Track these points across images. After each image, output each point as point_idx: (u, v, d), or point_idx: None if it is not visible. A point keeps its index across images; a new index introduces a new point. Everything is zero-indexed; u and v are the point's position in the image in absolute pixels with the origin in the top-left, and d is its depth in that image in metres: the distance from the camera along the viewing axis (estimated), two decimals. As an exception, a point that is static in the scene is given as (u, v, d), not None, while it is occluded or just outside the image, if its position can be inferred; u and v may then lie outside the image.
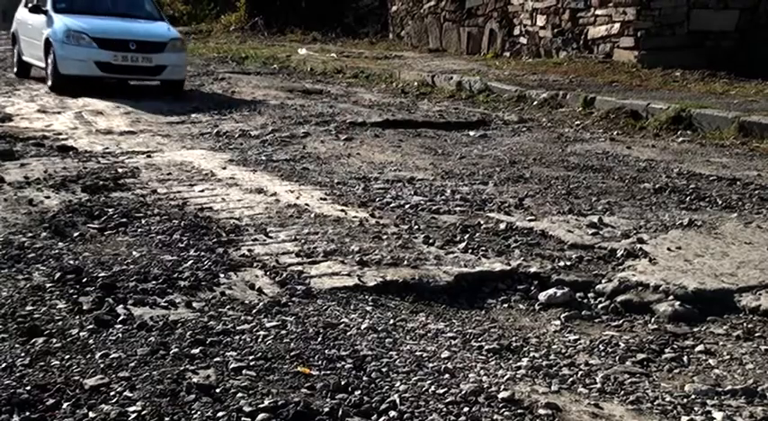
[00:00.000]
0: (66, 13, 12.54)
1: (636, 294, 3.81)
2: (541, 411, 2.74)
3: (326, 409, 2.66)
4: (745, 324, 3.55)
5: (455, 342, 3.31)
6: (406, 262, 4.18)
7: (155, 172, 6.31)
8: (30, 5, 13.58)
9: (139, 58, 12.01)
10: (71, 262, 4.07)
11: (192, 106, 10.47)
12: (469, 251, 4.37)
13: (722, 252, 4.34)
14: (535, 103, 10.19)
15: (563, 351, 3.27)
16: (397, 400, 2.75)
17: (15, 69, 14.56)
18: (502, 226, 4.84)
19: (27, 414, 2.61)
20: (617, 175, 6.28)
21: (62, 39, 11.99)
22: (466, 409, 2.73)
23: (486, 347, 3.25)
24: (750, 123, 7.78)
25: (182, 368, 2.93)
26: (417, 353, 3.16)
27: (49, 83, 12.30)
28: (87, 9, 12.97)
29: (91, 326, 3.30)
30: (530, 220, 5.00)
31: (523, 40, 14.75)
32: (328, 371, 2.96)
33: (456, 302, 3.79)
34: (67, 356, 3.02)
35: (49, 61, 12.26)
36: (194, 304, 3.59)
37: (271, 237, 4.58)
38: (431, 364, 3.07)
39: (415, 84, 12.57)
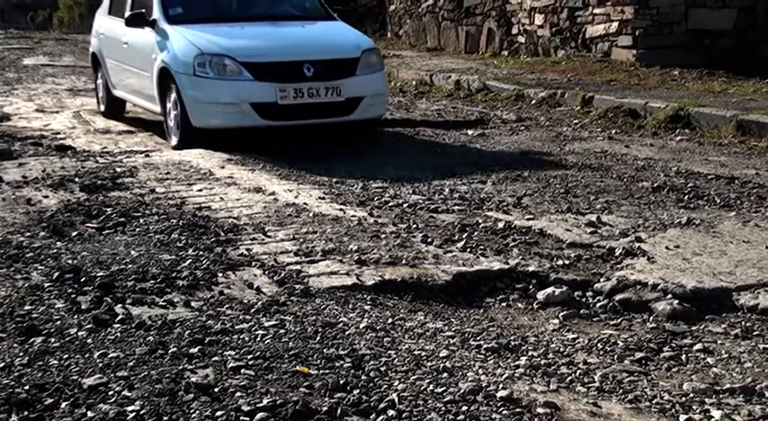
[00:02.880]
0: (185, 24, 7.85)
1: (634, 293, 3.81)
2: (540, 410, 2.74)
3: (325, 408, 2.66)
4: (743, 322, 3.55)
5: (453, 341, 3.31)
6: (404, 261, 4.18)
7: (153, 171, 6.31)
8: (123, 15, 8.67)
9: (322, 91, 7.38)
10: (69, 261, 4.07)
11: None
12: (468, 250, 4.37)
13: (720, 251, 4.34)
14: (533, 101, 10.19)
15: (561, 350, 3.27)
16: (396, 399, 2.75)
17: (102, 107, 9.88)
18: (500, 225, 4.84)
19: (26, 413, 2.61)
20: (615, 174, 6.28)
21: (190, 68, 7.36)
22: (464, 408, 2.72)
23: (485, 346, 3.25)
24: (748, 122, 7.78)
25: (180, 367, 2.93)
26: (416, 353, 3.16)
27: (174, 140, 7.69)
28: (215, 15, 8.37)
29: (89, 326, 3.30)
30: (528, 219, 5.00)
31: (521, 39, 14.75)
32: (327, 371, 2.96)
33: (454, 301, 3.79)
34: (66, 356, 3.02)
35: (171, 106, 7.65)
36: (193, 303, 3.59)
37: (269, 237, 4.58)
38: (429, 363, 3.06)
39: (414, 83, 12.57)
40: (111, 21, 9.57)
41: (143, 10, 8.29)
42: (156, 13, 8.11)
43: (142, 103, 8.67)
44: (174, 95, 7.59)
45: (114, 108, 9.73)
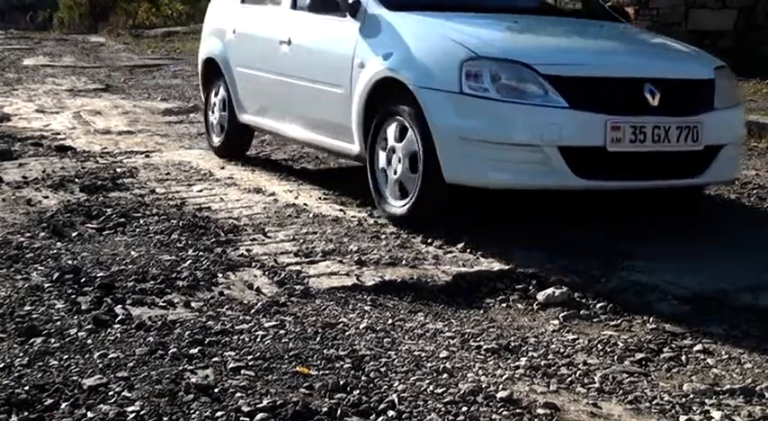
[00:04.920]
0: (412, 11, 5.11)
1: (634, 293, 3.82)
2: (540, 411, 2.74)
3: (325, 409, 2.66)
4: (743, 323, 3.54)
5: (453, 341, 3.31)
6: (404, 261, 4.18)
7: (153, 172, 6.31)
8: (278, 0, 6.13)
9: (673, 131, 4.46)
10: (69, 262, 4.07)
11: (192, 106, 10.45)
12: (468, 250, 4.36)
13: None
14: None
15: (561, 350, 3.27)
16: (396, 400, 2.75)
17: (216, 139, 6.86)
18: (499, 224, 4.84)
19: (25, 414, 2.61)
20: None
21: (452, 81, 4.46)
22: (464, 409, 2.72)
23: (485, 347, 3.25)
24: (748, 122, 7.75)
25: (180, 368, 2.93)
26: (416, 353, 3.16)
27: (395, 207, 4.80)
28: (451, 0, 5.60)
29: (89, 326, 3.30)
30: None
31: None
32: (327, 371, 2.96)
33: (454, 302, 3.79)
34: (66, 356, 3.02)
35: (392, 143, 4.78)
36: (193, 304, 3.59)
37: (269, 237, 4.58)
38: (429, 364, 3.07)
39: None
40: (252, 10, 6.52)
41: None
42: None
43: (313, 137, 5.66)
44: (394, 127, 4.75)
45: (237, 141, 6.70)
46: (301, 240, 4.50)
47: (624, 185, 4.61)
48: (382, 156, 4.86)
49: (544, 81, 4.32)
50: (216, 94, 6.84)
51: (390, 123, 4.79)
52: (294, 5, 5.91)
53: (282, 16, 5.98)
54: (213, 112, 6.92)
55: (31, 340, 3.16)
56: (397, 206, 4.76)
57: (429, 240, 4.52)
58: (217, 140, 6.87)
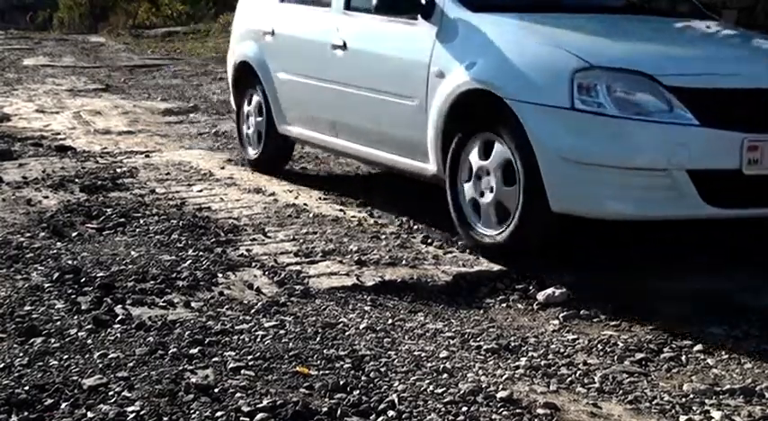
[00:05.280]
0: (496, 13, 4.50)
1: (635, 293, 3.82)
2: (540, 411, 2.74)
3: (325, 409, 2.66)
4: (743, 323, 3.54)
5: (453, 341, 3.31)
6: (404, 261, 4.18)
7: (153, 172, 6.31)
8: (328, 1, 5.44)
9: None
10: (69, 262, 4.07)
11: (192, 106, 10.45)
12: (468, 251, 4.36)
13: (721, 251, 4.33)
14: None
15: (561, 350, 3.27)
16: (396, 400, 2.75)
17: (252, 151, 6.25)
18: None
19: (25, 414, 2.61)
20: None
21: (560, 94, 3.82)
22: (464, 409, 2.73)
23: (485, 347, 3.25)
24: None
25: (180, 368, 2.93)
26: (416, 353, 3.16)
27: (498, 235, 4.12)
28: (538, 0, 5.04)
29: (89, 326, 3.30)
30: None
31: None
32: (327, 371, 2.96)
33: (454, 302, 3.79)
34: (66, 356, 3.02)
35: (477, 162, 4.19)
36: (193, 304, 3.59)
37: (269, 237, 4.58)
38: (429, 364, 3.07)
39: None
40: (295, 10, 5.87)
41: None
42: None
43: (375, 153, 4.99)
44: (480, 145, 4.18)
45: (276, 154, 6.10)
46: (301, 240, 4.50)
47: (762, 213, 3.97)
48: (467, 184, 4.24)
49: (669, 94, 3.73)
50: (250, 102, 6.23)
51: (476, 141, 4.19)
52: (348, 6, 5.24)
53: (333, 18, 5.30)
54: (248, 122, 6.27)
55: (31, 340, 3.16)
56: (492, 234, 4.15)
57: (429, 240, 4.52)
58: (253, 153, 6.21)
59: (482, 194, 4.18)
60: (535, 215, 3.94)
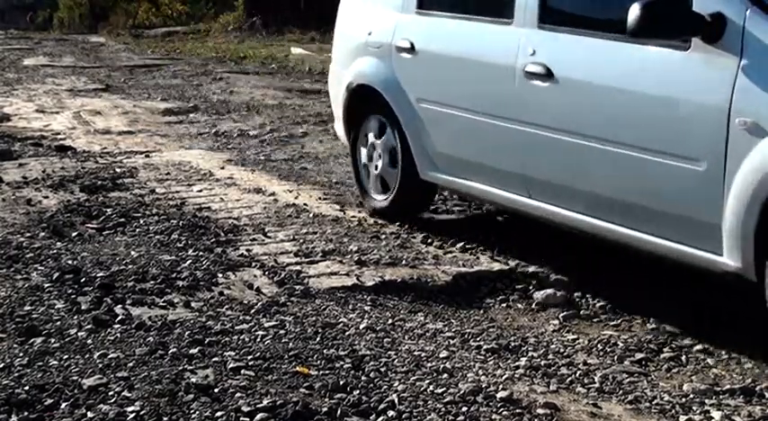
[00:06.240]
0: None
1: (635, 293, 3.82)
2: (540, 411, 2.74)
3: (325, 409, 2.66)
4: (743, 323, 3.54)
5: (453, 341, 3.31)
6: (404, 261, 4.18)
7: (153, 172, 6.30)
8: (502, 13, 4.02)
9: None
10: (69, 262, 4.07)
11: (192, 106, 10.45)
12: (468, 251, 4.36)
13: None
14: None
15: (561, 350, 3.27)
16: (396, 400, 2.75)
17: (382, 197, 4.87)
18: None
19: (25, 414, 2.62)
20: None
21: None
22: (464, 409, 2.73)
23: (485, 347, 3.26)
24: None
25: (180, 368, 2.93)
26: (416, 353, 3.16)
27: None
28: None
29: (89, 326, 3.30)
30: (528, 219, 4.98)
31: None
32: (327, 371, 2.96)
33: (454, 302, 3.79)
34: (66, 356, 3.02)
35: None
36: (193, 304, 3.59)
37: (269, 237, 4.58)
38: (429, 364, 3.07)
39: None
40: (445, 22, 4.50)
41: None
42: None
43: (618, 231, 3.55)
44: None
45: (413, 201, 4.80)
46: (301, 240, 4.50)
47: None
48: None
49: None
50: (376, 136, 4.87)
51: None
52: (545, 20, 3.83)
53: (522, 34, 3.90)
54: (371, 161, 4.92)
55: (31, 340, 3.16)
56: None
57: (429, 240, 4.52)
58: (381, 199, 4.87)
59: None
60: None
